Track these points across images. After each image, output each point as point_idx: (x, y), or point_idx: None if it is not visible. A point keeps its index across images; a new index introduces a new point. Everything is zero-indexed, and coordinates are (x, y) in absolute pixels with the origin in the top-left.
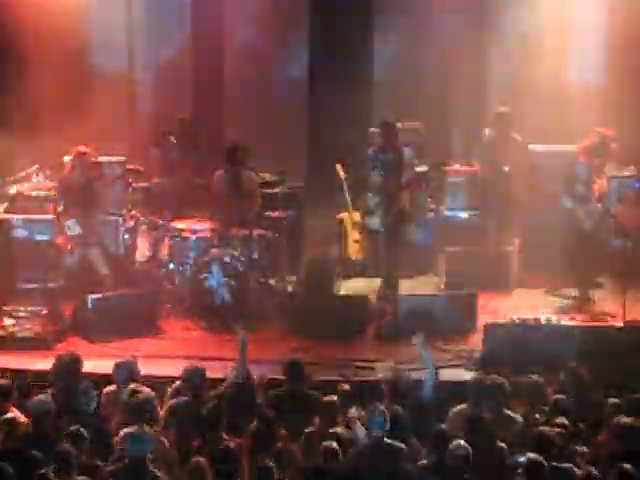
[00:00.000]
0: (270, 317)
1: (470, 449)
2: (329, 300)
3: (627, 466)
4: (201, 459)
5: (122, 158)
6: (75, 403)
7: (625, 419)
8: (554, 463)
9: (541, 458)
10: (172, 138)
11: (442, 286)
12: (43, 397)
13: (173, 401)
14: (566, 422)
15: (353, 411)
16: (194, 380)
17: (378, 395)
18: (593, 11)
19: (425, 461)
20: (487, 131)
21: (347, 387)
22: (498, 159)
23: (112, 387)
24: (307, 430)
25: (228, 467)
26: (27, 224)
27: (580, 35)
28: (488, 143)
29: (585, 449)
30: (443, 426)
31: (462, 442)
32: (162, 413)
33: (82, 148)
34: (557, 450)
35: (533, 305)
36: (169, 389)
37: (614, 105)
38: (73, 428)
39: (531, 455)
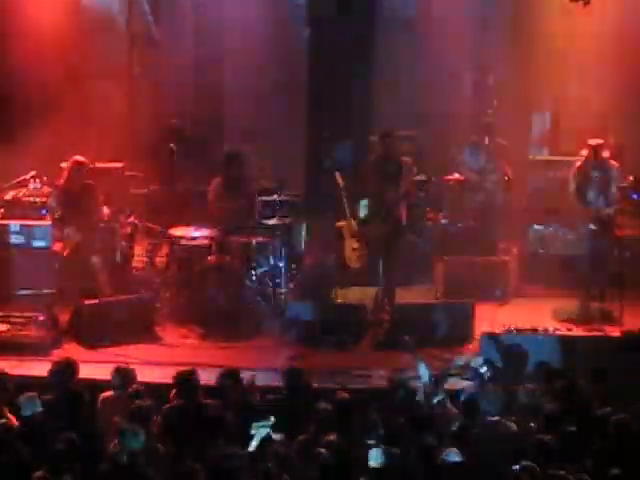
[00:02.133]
0: (268, 324)
1: (462, 457)
2: (327, 308)
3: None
4: (195, 464)
5: (120, 164)
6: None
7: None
8: (549, 471)
9: (534, 465)
10: (171, 145)
11: (439, 295)
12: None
13: (168, 406)
14: (561, 430)
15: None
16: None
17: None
18: (595, 23)
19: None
20: (473, 139)
21: (345, 395)
22: (485, 167)
23: (109, 393)
24: (301, 437)
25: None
26: (24, 230)
27: (582, 46)
28: (474, 152)
29: (580, 457)
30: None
31: (454, 449)
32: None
33: (78, 157)
34: (553, 458)
35: (531, 314)
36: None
37: (614, 116)
38: (67, 434)
39: (524, 462)
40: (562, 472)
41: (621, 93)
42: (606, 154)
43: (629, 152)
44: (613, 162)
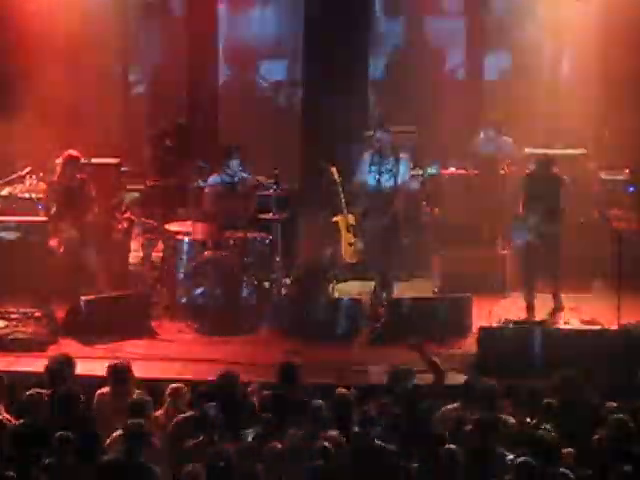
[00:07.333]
0: (264, 320)
1: (459, 450)
2: (323, 303)
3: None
4: (197, 465)
5: (116, 160)
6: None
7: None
8: (549, 466)
9: (531, 460)
10: (168, 141)
11: (436, 289)
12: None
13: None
14: (560, 425)
15: None
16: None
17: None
18: (590, 18)
19: (416, 463)
20: (480, 135)
21: (343, 390)
22: (491, 162)
23: (105, 389)
24: (292, 432)
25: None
26: (19, 226)
27: (578, 41)
28: (481, 147)
29: (580, 452)
30: (434, 428)
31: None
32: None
33: (72, 152)
34: (552, 453)
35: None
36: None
37: (610, 108)
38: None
39: (521, 458)
40: (563, 468)
41: (618, 87)
42: (556, 169)
43: (625, 145)
44: (564, 177)
